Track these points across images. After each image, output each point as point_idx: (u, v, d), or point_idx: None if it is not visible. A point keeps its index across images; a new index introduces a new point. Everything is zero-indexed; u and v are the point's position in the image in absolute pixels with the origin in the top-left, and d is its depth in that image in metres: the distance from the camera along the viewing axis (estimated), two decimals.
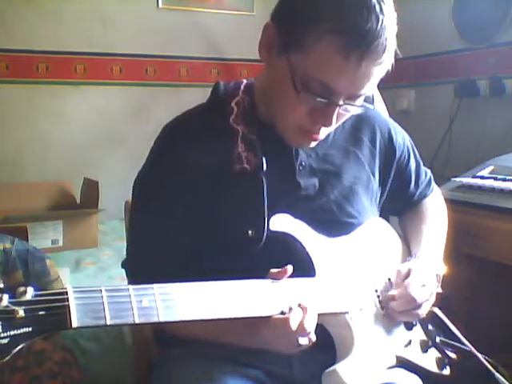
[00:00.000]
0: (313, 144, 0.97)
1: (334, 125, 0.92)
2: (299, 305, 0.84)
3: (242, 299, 0.80)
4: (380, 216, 1.12)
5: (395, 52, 0.88)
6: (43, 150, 2.85)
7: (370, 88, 0.89)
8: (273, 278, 0.86)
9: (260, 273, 0.86)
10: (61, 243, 2.32)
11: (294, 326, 0.81)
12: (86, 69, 2.90)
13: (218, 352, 0.95)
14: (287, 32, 0.88)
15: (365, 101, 0.93)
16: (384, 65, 0.86)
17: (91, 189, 2.44)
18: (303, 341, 0.82)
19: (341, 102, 0.88)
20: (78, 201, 2.61)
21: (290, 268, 0.86)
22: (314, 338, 0.84)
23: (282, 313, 0.83)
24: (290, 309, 0.83)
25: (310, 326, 0.83)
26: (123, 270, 1.03)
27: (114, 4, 2.91)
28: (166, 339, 1.04)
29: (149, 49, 3.00)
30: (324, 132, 0.95)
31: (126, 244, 1.06)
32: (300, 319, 0.82)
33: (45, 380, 1.33)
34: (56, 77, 2.85)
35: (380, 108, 1.92)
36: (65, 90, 2.88)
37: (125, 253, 1.05)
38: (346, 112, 0.92)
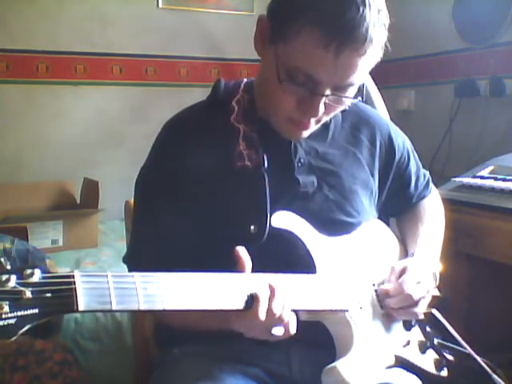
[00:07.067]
0: (305, 134, 0.97)
1: (324, 115, 0.92)
2: (268, 286, 0.80)
3: (242, 292, 0.79)
4: (379, 217, 1.13)
5: (385, 45, 0.87)
6: (43, 149, 2.85)
7: (357, 79, 0.88)
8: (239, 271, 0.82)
9: (260, 269, 0.85)
10: (61, 243, 2.32)
11: (262, 316, 0.78)
12: (86, 69, 2.90)
13: (218, 351, 0.96)
14: (275, 24, 0.89)
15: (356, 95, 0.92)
16: (369, 56, 0.86)
17: (91, 189, 2.44)
18: (277, 331, 0.81)
19: (327, 93, 0.88)
20: (78, 201, 2.61)
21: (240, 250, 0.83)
22: (292, 329, 0.82)
23: (247, 301, 0.79)
24: (257, 299, 0.79)
25: (279, 309, 0.80)
26: (123, 270, 1.03)
27: (114, 4, 2.91)
28: (166, 339, 1.05)
29: (149, 49, 3.00)
30: (315, 122, 0.95)
31: (128, 240, 1.06)
32: (267, 307, 0.79)
33: (45, 380, 1.33)
34: (56, 77, 2.85)
35: (380, 108, 1.93)
36: (65, 90, 2.88)
37: (126, 249, 1.06)
38: (337, 104, 0.92)
